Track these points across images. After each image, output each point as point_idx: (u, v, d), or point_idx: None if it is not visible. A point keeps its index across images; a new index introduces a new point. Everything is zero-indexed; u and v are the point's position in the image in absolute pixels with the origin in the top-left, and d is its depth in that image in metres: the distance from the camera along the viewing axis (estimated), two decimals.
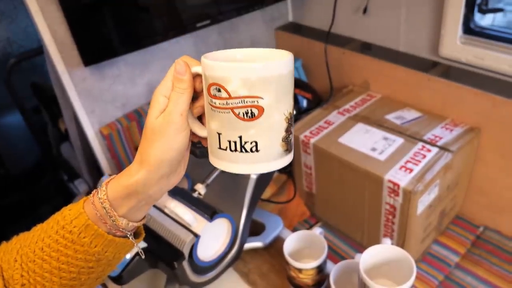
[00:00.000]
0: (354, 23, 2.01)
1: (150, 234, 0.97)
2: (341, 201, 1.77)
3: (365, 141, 1.66)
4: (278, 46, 2.38)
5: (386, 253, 0.88)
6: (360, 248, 1.74)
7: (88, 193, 1.14)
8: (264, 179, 1.11)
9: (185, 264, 0.96)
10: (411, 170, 1.50)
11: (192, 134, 0.60)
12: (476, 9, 1.61)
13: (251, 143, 0.50)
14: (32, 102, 2.66)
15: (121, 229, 0.61)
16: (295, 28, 2.32)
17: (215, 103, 0.51)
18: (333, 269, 0.98)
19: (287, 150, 0.54)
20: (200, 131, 0.58)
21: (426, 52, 1.79)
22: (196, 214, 0.97)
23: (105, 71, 1.74)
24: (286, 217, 1.87)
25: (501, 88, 1.56)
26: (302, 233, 1.07)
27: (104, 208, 0.59)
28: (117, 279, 0.93)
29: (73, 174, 2.57)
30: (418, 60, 1.81)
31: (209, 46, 2.07)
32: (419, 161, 1.53)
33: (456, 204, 1.79)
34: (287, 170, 2.02)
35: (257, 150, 0.51)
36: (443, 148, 1.57)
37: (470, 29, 1.62)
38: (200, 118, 0.61)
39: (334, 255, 1.74)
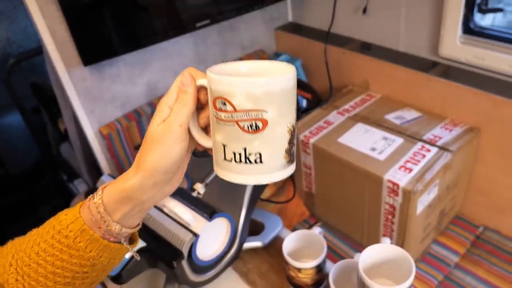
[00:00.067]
0: (353, 23, 2.01)
1: (149, 234, 0.97)
2: (341, 201, 1.77)
3: (364, 141, 1.66)
4: (278, 46, 2.38)
5: (385, 253, 0.87)
6: (360, 248, 1.74)
7: (88, 193, 1.14)
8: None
9: (184, 263, 0.95)
10: (410, 170, 1.50)
11: (197, 144, 0.61)
12: (475, 9, 1.61)
13: (255, 154, 0.52)
14: (31, 102, 2.66)
15: (114, 235, 0.62)
16: (295, 28, 2.32)
17: (220, 116, 0.52)
18: (332, 269, 0.98)
19: (290, 161, 0.55)
20: (205, 142, 0.59)
21: (426, 52, 1.79)
22: (195, 213, 0.97)
23: (105, 71, 1.74)
24: (286, 217, 1.87)
25: (501, 88, 1.56)
26: (301, 233, 1.07)
27: (99, 212, 0.60)
28: (116, 279, 0.93)
29: (72, 174, 2.57)
30: (418, 60, 1.81)
31: (209, 46, 2.07)
32: (419, 161, 1.53)
33: (455, 204, 1.79)
34: None
35: (261, 162, 0.52)
36: (442, 148, 1.57)
37: (470, 29, 1.62)
38: (204, 129, 0.61)
39: (334, 255, 1.74)
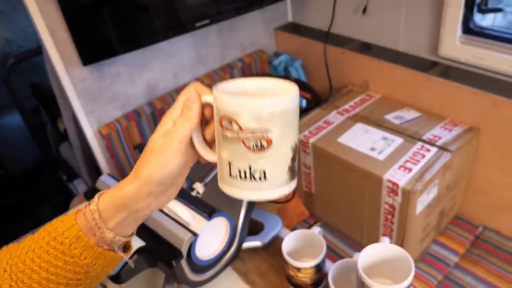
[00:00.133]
0: (353, 23, 2.01)
1: (149, 233, 0.97)
2: (340, 201, 1.77)
3: (364, 141, 1.66)
4: (277, 46, 2.38)
5: (384, 252, 0.87)
6: (359, 248, 1.74)
7: (87, 192, 1.14)
8: None
9: (184, 263, 0.95)
10: (410, 170, 1.50)
11: (200, 157, 0.61)
12: (475, 9, 1.61)
13: (260, 172, 0.53)
14: (31, 102, 2.66)
15: (107, 243, 0.62)
16: (295, 28, 2.32)
17: (226, 134, 0.53)
18: (331, 268, 0.98)
19: (292, 178, 0.57)
20: (209, 157, 0.60)
21: (425, 52, 1.79)
22: (194, 213, 0.97)
23: (104, 71, 1.74)
24: (285, 217, 1.87)
25: (500, 88, 1.56)
26: (300, 232, 1.07)
27: (94, 219, 0.60)
28: (115, 278, 0.92)
29: (72, 174, 2.57)
30: (418, 60, 1.81)
31: (209, 46, 2.07)
32: (418, 161, 1.53)
33: (455, 204, 1.79)
34: None
35: (265, 179, 0.54)
36: (442, 148, 1.57)
37: (469, 29, 1.62)
38: (207, 141, 0.62)
39: (334, 255, 1.74)
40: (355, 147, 1.64)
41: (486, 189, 1.73)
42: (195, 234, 0.94)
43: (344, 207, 1.76)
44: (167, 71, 1.96)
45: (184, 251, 0.94)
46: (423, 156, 1.55)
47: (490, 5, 1.64)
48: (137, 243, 0.92)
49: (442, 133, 1.64)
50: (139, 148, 1.01)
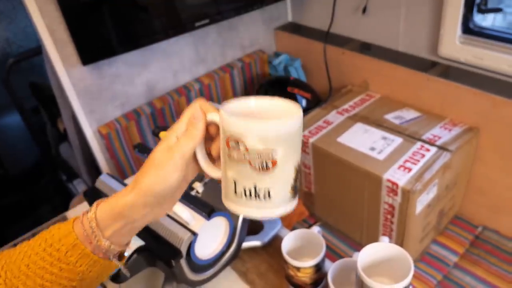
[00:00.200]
0: (353, 23, 2.01)
1: (148, 232, 0.97)
2: (340, 201, 1.77)
3: (364, 141, 1.66)
4: (277, 46, 2.38)
5: (383, 251, 0.87)
6: (359, 248, 1.74)
7: (86, 192, 1.14)
8: None
9: (183, 262, 0.95)
10: (409, 170, 1.49)
11: (201, 171, 0.62)
12: (475, 9, 1.61)
13: (264, 190, 0.55)
14: (31, 102, 2.66)
15: (103, 251, 0.62)
16: (295, 28, 2.32)
17: (232, 154, 0.55)
18: (331, 268, 0.98)
19: (294, 195, 0.58)
20: (213, 173, 0.61)
21: (425, 52, 1.79)
22: (194, 212, 0.97)
23: (104, 71, 1.74)
24: (285, 216, 1.86)
25: (500, 88, 1.56)
26: (300, 232, 1.07)
27: (91, 227, 0.60)
28: (115, 278, 0.92)
29: (72, 174, 2.57)
30: (418, 60, 1.81)
31: (208, 45, 2.07)
32: (418, 161, 1.53)
33: (455, 204, 1.79)
34: None
35: (269, 197, 0.55)
36: (442, 148, 1.57)
37: (469, 29, 1.62)
38: (209, 154, 0.63)
39: (333, 255, 1.74)
40: (355, 147, 1.64)
41: (486, 189, 1.73)
42: (194, 234, 0.94)
43: (344, 207, 1.76)
44: (167, 71, 1.96)
45: (184, 250, 0.93)
46: (423, 156, 1.55)
47: (490, 5, 1.64)
48: (136, 242, 0.92)
49: (441, 133, 1.64)
50: (139, 147, 1.01)
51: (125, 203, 0.60)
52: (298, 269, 1.01)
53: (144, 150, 1.05)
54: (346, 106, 1.89)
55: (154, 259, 0.98)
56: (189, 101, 2.02)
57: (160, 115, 1.94)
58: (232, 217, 1.04)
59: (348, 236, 1.81)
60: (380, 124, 1.73)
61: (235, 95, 2.24)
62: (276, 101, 0.59)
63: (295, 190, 0.58)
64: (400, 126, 1.71)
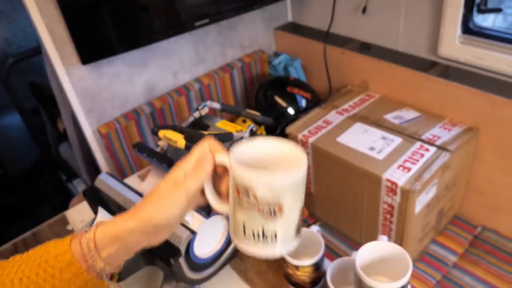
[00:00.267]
0: (353, 23, 2.01)
1: None
2: (339, 201, 1.77)
3: (363, 141, 1.66)
4: (277, 46, 2.39)
5: (382, 250, 0.87)
6: (358, 247, 1.74)
7: (86, 191, 1.14)
8: None
9: (182, 261, 0.95)
10: (409, 169, 1.49)
11: (203, 202, 0.66)
12: (475, 9, 1.61)
13: (271, 233, 0.59)
14: (30, 102, 2.67)
15: (97, 271, 0.64)
16: (294, 28, 2.32)
17: (243, 201, 0.58)
18: (329, 266, 0.98)
19: (298, 233, 0.63)
20: (221, 208, 0.65)
21: (425, 52, 1.79)
22: (192, 211, 0.97)
23: (103, 70, 1.75)
24: None
25: (500, 88, 1.56)
26: None
27: (89, 247, 0.62)
28: (113, 276, 0.92)
29: (71, 174, 2.57)
30: (417, 60, 1.81)
31: (208, 45, 2.07)
32: (417, 160, 1.53)
33: (454, 204, 1.79)
34: None
35: (275, 239, 0.60)
36: (441, 148, 1.57)
37: (469, 29, 1.62)
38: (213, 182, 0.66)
39: (333, 254, 1.74)
40: (354, 146, 1.64)
41: (485, 189, 1.73)
42: (193, 232, 0.94)
43: (343, 207, 1.76)
44: (167, 70, 1.97)
45: (183, 249, 0.94)
46: (422, 155, 1.55)
47: (490, 5, 1.64)
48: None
49: (441, 133, 1.64)
50: (138, 147, 1.02)
51: (124, 228, 0.62)
52: (297, 267, 1.02)
53: (144, 149, 1.06)
54: (345, 106, 1.89)
55: (153, 258, 0.98)
56: (189, 101, 2.03)
57: (159, 115, 1.94)
58: None
59: (347, 235, 1.81)
60: (380, 124, 1.73)
61: (235, 95, 2.24)
62: (283, 144, 0.63)
63: (299, 229, 0.62)
64: (400, 126, 1.71)
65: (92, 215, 1.03)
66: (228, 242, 1.08)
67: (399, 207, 1.50)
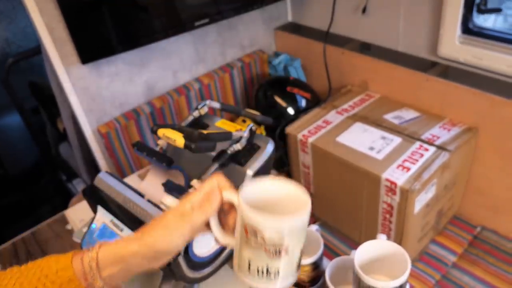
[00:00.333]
0: (353, 23, 2.01)
1: None
2: (339, 200, 1.77)
3: (363, 140, 1.66)
4: (277, 46, 2.38)
5: (381, 249, 0.87)
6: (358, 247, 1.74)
7: (85, 190, 1.14)
8: (261, 176, 1.11)
9: (181, 259, 0.95)
10: (408, 169, 1.49)
11: (216, 239, 0.67)
12: (475, 9, 1.61)
13: (275, 270, 0.62)
14: (30, 102, 2.66)
15: None
16: (294, 28, 2.32)
17: (250, 240, 0.61)
18: (328, 266, 0.98)
19: (298, 268, 0.65)
20: (225, 241, 0.66)
21: (425, 52, 1.79)
22: None
23: (103, 70, 1.74)
24: None
25: (499, 88, 1.56)
26: None
27: (90, 266, 0.63)
28: None
29: (71, 174, 2.57)
30: (417, 60, 1.81)
31: (208, 45, 2.07)
32: (417, 160, 1.53)
33: (454, 204, 1.79)
34: (285, 170, 2.02)
35: (278, 275, 0.62)
36: (440, 148, 1.57)
37: (468, 29, 1.62)
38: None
39: (332, 254, 1.74)
40: (354, 146, 1.64)
41: (485, 189, 1.73)
42: None
43: (343, 207, 1.76)
44: (166, 70, 1.97)
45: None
46: (422, 155, 1.55)
47: (490, 5, 1.64)
48: None
49: (440, 133, 1.64)
50: (137, 146, 1.01)
51: (128, 250, 0.63)
52: None
53: (143, 148, 1.05)
54: (345, 106, 1.89)
55: None
56: (188, 100, 2.03)
57: (159, 115, 1.94)
58: None
59: (347, 235, 1.81)
60: (379, 124, 1.73)
61: (234, 94, 2.24)
62: (288, 186, 0.66)
63: (299, 265, 0.65)
64: (399, 126, 1.71)
65: (91, 214, 1.03)
66: None
67: (399, 207, 1.50)
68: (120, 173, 1.95)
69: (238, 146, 0.98)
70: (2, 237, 1.41)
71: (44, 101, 2.43)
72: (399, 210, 1.50)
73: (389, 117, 1.78)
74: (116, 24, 1.61)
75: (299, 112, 1.98)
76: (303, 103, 2.03)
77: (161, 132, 0.99)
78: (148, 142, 1.96)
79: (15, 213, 2.81)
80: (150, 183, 1.13)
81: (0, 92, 2.63)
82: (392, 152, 1.58)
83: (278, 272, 0.62)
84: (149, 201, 0.97)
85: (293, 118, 1.91)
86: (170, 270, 0.95)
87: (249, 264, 0.63)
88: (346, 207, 1.74)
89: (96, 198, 1.06)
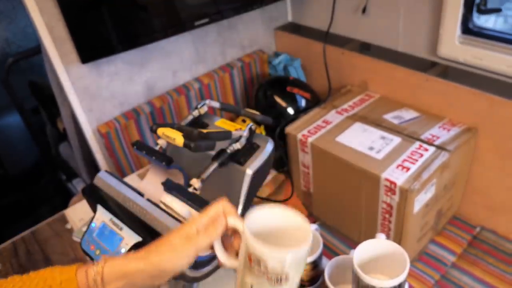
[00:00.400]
0: (353, 23, 2.01)
1: (145, 228, 0.97)
2: (338, 200, 1.77)
3: (362, 140, 1.66)
4: (277, 46, 2.39)
5: (380, 248, 0.87)
6: None
7: (84, 189, 1.14)
8: (260, 175, 1.11)
9: None
10: (408, 169, 1.50)
11: (219, 261, 0.69)
12: (474, 9, 1.61)
13: None
14: (30, 102, 2.66)
15: None
16: (294, 28, 2.32)
17: (254, 268, 0.63)
18: (327, 265, 0.98)
19: None
20: (229, 263, 0.69)
21: (424, 52, 1.79)
22: (191, 208, 0.97)
23: (103, 69, 1.75)
24: None
25: (499, 88, 1.56)
26: None
27: (94, 280, 0.64)
28: None
29: (71, 173, 2.57)
30: (417, 60, 1.82)
31: (208, 45, 2.07)
32: (416, 160, 1.53)
33: (453, 205, 1.79)
34: (285, 170, 2.02)
35: None
36: (440, 148, 1.57)
37: (468, 29, 1.62)
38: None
39: (332, 254, 1.74)
40: (354, 146, 1.64)
41: (484, 189, 1.73)
42: None
43: (342, 206, 1.76)
44: (166, 70, 1.97)
45: None
46: (421, 155, 1.55)
47: (490, 5, 1.64)
48: (134, 238, 0.92)
49: (440, 133, 1.64)
50: (137, 145, 1.02)
51: (133, 267, 0.65)
52: None
53: (142, 147, 1.05)
54: (345, 106, 1.89)
55: None
56: (188, 100, 2.03)
57: (159, 114, 1.95)
58: None
59: (346, 235, 1.81)
60: (379, 124, 1.74)
61: (234, 94, 2.24)
62: (291, 215, 0.68)
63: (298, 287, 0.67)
64: (399, 126, 1.71)
65: (91, 213, 1.03)
66: None
67: (398, 207, 1.50)
68: (120, 173, 1.95)
69: (237, 145, 0.98)
70: (2, 237, 1.40)
71: (44, 100, 2.43)
72: (398, 210, 1.50)
73: (389, 117, 1.78)
74: (116, 24, 1.61)
75: (299, 112, 1.98)
76: (303, 103, 2.03)
77: (160, 131, 0.99)
78: (148, 142, 1.96)
79: (15, 213, 2.81)
80: (149, 182, 1.13)
81: (0, 92, 2.63)
82: (392, 152, 1.58)
83: None
84: (148, 200, 0.97)
85: (293, 118, 1.91)
86: None
87: None
88: (345, 206, 1.74)
89: (96, 197, 1.06)
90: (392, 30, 1.86)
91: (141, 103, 1.93)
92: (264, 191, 1.89)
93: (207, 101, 1.16)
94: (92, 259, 0.94)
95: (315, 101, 2.05)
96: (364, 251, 0.87)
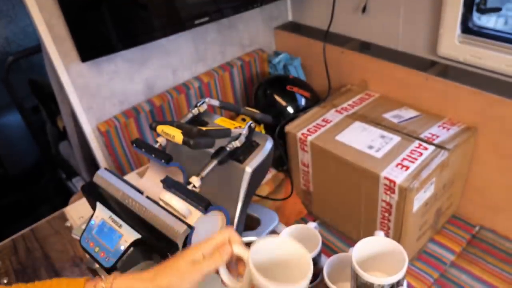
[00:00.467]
0: (353, 22, 2.01)
1: (144, 226, 0.97)
2: (338, 199, 1.77)
3: (362, 139, 1.66)
4: (277, 45, 2.39)
5: (379, 246, 0.87)
6: None
7: (84, 187, 1.14)
8: (260, 173, 1.11)
9: None
10: (407, 168, 1.50)
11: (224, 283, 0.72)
12: (474, 8, 1.61)
13: None
14: (30, 101, 2.66)
15: None
16: (294, 27, 2.32)
17: None
18: (326, 262, 0.98)
19: None
20: (234, 286, 0.71)
21: (424, 52, 1.79)
22: (190, 206, 0.97)
23: (103, 67, 1.75)
24: (283, 215, 1.87)
25: (498, 88, 1.56)
26: (296, 227, 1.07)
27: None
28: (111, 271, 0.93)
29: (71, 172, 2.57)
30: (417, 59, 1.82)
31: (208, 43, 2.07)
32: (416, 159, 1.53)
33: (452, 204, 1.79)
34: (284, 168, 2.02)
35: None
36: (439, 147, 1.57)
37: (468, 28, 1.62)
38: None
39: (331, 253, 1.73)
40: (353, 145, 1.64)
41: (483, 188, 1.73)
42: (190, 227, 0.94)
43: (342, 205, 1.77)
44: (166, 68, 1.97)
45: (180, 243, 0.93)
46: (421, 154, 1.55)
47: (489, 4, 1.65)
48: (133, 235, 0.92)
49: (439, 132, 1.64)
50: (136, 143, 1.02)
51: (141, 287, 0.67)
52: None
53: (142, 145, 1.06)
54: (345, 105, 1.89)
55: (150, 253, 0.98)
56: (188, 99, 2.03)
57: (159, 113, 1.95)
58: (229, 212, 1.04)
59: (345, 234, 1.81)
60: (379, 123, 1.74)
61: (234, 93, 2.24)
62: (294, 247, 0.71)
63: None
64: (399, 125, 1.71)
65: (90, 211, 1.03)
66: None
67: (397, 206, 1.50)
68: (119, 171, 1.95)
69: (237, 143, 0.99)
70: (2, 237, 1.41)
71: (44, 99, 2.43)
72: (397, 209, 1.50)
73: (389, 116, 1.78)
74: (116, 22, 1.61)
75: (299, 110, 1.98)
76: (302, 102, 2.03)
77: (160, 128, 1.00)
78: (147, 140, 1.96)
79: (15, 212, 2.81)
80: (149, 180, 1.13)
81: (0, 91, 2.63)
82: (391, 150, 1.59)
83: None
84: (148, 197, 0.97)
85: (292, 117, 1.91)
86: None
87: None
88: (344, 205, 1.75)
89: (95, 194, 1.06)
90: (392, 30, 1.86)
91: (141, 101, 1.93)
92: (264, 190, 1.89)
93: (207, 100, 1.16)
94: (91, 256, 0.94)
95: (315, 100, 2.06)
96: (363, 248, 0.87)
